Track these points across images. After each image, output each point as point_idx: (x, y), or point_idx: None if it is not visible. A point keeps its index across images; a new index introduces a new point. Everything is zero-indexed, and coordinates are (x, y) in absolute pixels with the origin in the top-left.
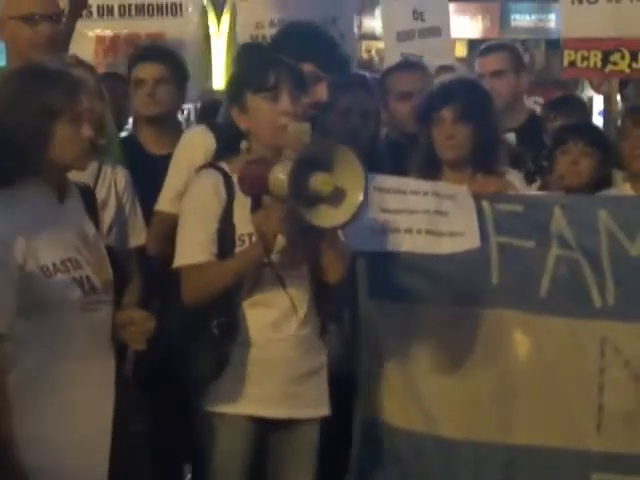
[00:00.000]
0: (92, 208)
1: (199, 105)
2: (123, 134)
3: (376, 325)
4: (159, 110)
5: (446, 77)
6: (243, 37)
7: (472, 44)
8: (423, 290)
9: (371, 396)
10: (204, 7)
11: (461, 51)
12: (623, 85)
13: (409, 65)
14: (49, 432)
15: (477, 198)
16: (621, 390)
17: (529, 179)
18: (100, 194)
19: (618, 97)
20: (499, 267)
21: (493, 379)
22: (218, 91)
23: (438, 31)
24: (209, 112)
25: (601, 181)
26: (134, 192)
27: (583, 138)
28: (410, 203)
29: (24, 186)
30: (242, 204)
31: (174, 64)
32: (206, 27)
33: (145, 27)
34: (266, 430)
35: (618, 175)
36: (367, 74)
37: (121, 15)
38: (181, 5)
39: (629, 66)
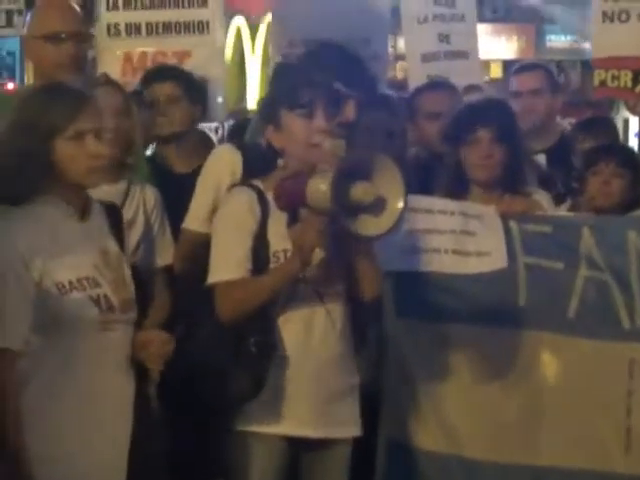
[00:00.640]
0: (117, 227)
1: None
2: (148, 152)
3: (402, 345)
4: (174, 129)
5: (474, 97)
6: (276, 55)
7: (507, 65)
8: (450, 310)
9: (396, 416)
10: (239, 28)
11: (496, 72)
12: None
13: (438, 85)
14: (63, 451)
15: (505, 218)
16: None
17: (559, 200)
18: (128, 213)
19: None
20: (526, 288)
21: (519, 400)
22: (252, 111)
23: (464, 55)
24: (240, 131)
25: (632, 202)
26: (163, 211)
27: (614, 159)
28: (438, 223)
29: (43, 203)
30: (277, 221)
31: (184, 81)
32: (241, 48)
33: (172, 45)
34: (299, 449)
35: None
36: (392, 94)
37: (148, 33)
38: (208, 23)
39: None
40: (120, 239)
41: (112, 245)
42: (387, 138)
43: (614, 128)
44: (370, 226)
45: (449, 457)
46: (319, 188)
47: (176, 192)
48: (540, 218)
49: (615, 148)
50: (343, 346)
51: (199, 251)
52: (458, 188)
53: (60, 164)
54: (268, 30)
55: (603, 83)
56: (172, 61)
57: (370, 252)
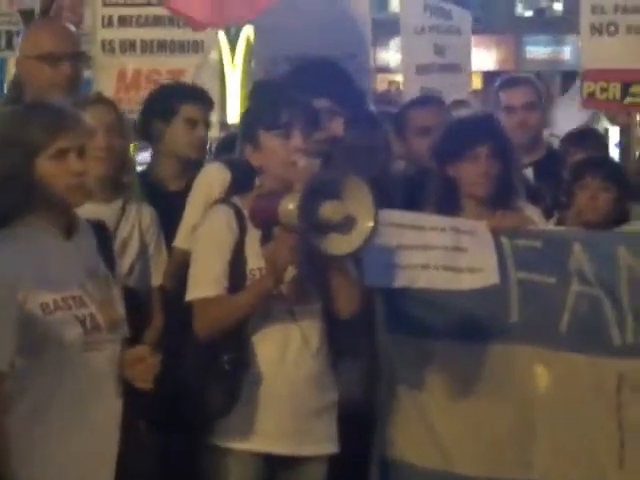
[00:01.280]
0: (106, 245)
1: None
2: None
3: (394, 361)
4: (204, 151)
5: (462, 112)
6: (259, 72)
7: (486, 76)
8: (442, 326)
9: (388, 432)
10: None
11: (477, 83)
12: None
13: (427, 100)
14: (50, 472)
15: (496, 234)
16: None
17: (547, 214)
18: (122, 232)
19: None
20: (519, 303)
21: (512, 415)
22: (232, 125)
23: (458, 68)
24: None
25: (619, 216)
26: (159, 230)
27: (600, 173)
28: (428, 239)
29: (27, 223)
30: (254, 239)
31: (210, 105)
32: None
33: (166, 64)
34: (274, 465)
35: (637, 209)
36: (374, 109)
37: (143, 51)
38: (202, 42)
39: None
40: (109, 258)
41: (100, 264)
42: (369, 154)
43: (604, 141)
44: (339, 245)
45: (441, 473)
46: (289, 206)
47: (167, 209)
48: (531, 233)
49: (601, 161)
50: (318, 364)
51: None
52: (449, 204)
53: (42, 183)
54: (247, 43)
55: (592, 95)
56: (166, 79)
57: (343, 269)
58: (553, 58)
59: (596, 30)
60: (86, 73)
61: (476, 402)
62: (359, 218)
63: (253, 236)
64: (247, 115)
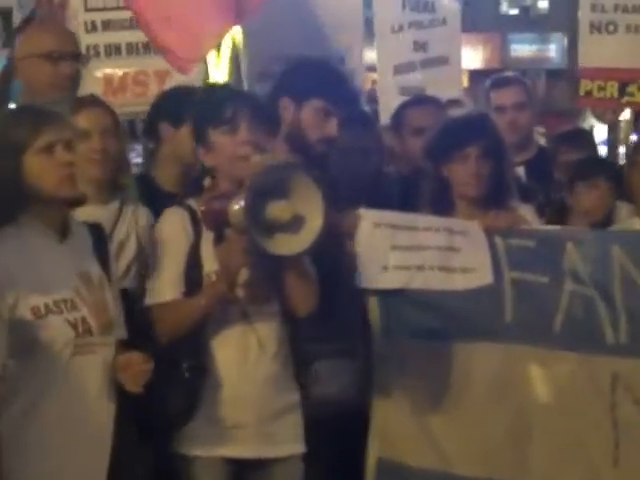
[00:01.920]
0: (101, 247)
1: None
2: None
3: (390, 362)
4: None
5: (456, 112)
6: (250, 74)
7: (473, 75)
8: (436, 327)
9: (384, 433)
10: None
11: (463, 81)
12: (638, 116)
13: (424, 100)
14: (44, 472)
15: (490, 233)
16: (634, 427)
17: (540, 213)
18: (119, 235)
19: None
20: (512, 302)
21: (507, 415)
22: None
23: (443, 60)
24: None
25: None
26: None
27: (605, 173)
28: (422, 240)
29: (20, 225)
30: (209, 241)
31: None
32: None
33: (153, 65)
34: (241, 470)
35: (622, 207)
36: (367, 109)
37: (129, 54)
38: None
39: None
40: (105, 260)
41: (94, 267)
42: (362, 155)
43: (594, 140)
44: (286, 245)
45: (438, 474)
46: (235, 208)
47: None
48: (525, 233)
49: (605, 162)
50: (277, 366)
51: None
52: (442, 204)
53: (31, 179)
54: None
55: (589, 93)
56: (153, 81)
57: (298, 267)
58: (538, 56)
59: (595, 28)
60: None
61: (472, 402)
62: (308, 217)
63: (209, 238)
64: (196, 118)
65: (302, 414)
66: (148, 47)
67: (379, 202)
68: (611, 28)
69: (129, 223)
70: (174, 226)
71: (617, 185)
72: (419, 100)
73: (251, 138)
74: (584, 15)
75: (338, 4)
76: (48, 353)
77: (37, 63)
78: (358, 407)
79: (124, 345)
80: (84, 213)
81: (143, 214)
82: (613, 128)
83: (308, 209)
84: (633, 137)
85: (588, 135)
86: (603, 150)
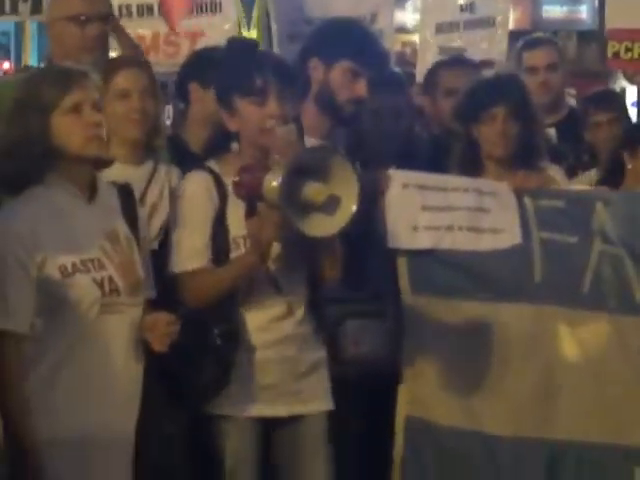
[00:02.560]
0: (129, 208)
1: None
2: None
3: (419, 321)
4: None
5: (487, 73)
6: (280, 35)
7: None
8: (465, 286)
9: (413, 392)
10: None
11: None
12: None
13: (457, 61)
14: (65, 430)
15: (519, 194)
16: None
17: (570, 174)
18: (152, 196)
19: None
20: (541, 263)
21: (535, 374)
22: None
23: (490, 22)
24: None
25: None
26: None
27: None
28: (451, 200)
29: (48, 184)
30: (235, 206)
31: None
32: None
33: (184, 26)
34: (272, 429)
35: None
36: (399, 71)
37: (161, 14)
38: (220, 4)
39: None
40: (133, 221)
41: (122, 227)
42: (394, 118)
43: (623, 101)
44: (319, 226)
45: (467, 432)
46: (272, 184)
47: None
48: (554, 193)
49: None
50: (305, 327)
51: None
52: (472, 165)
53: (59, 139)
54: (263, 4)
55: (616, 55)
56: (185, 42)
57: (330, 245)
58: (570, 17)
59: None
60: None
61: (500, 361)
62: (343, 199)
63: (235, 203)
64: (222, 80)
65: (328, 371)
66: None
67: (409, 163)
68: None
69: (162, 184)
70: (199, 191)
71: None
72: (452, 61)
73: (279, 111)
74: None
75: None
76: (75, 312)
77: (65, 26)
78: (388, 367)
79: (153, 305)
80: (118, 173)
81: (176, 176)
82: None
83: (344, 191)
84: None
85: (618, 97)
86: (633, 112)
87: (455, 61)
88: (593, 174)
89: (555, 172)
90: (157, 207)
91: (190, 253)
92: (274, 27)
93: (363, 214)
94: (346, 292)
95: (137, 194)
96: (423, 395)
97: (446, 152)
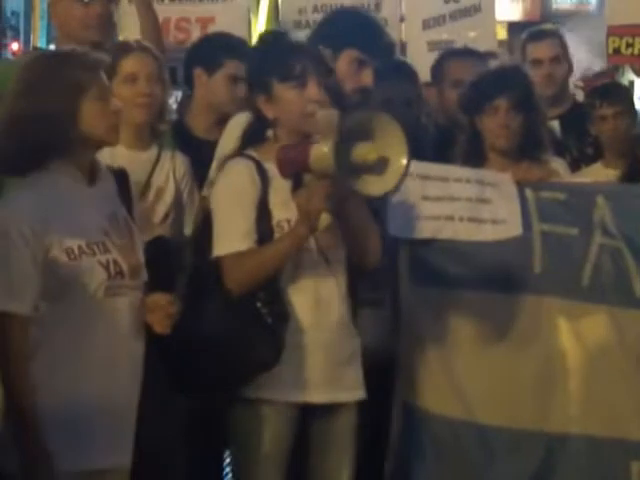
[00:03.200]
0: (126, 192)
1: None
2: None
3: (417, 310)
4: (241, 108)
5: (491, 64)
6: (286, 22)
7: (512, 27)
8: (464, 277)
9: (410, 381)
10: None
11: (501, 34)
12: None
13: (463, 52)
14: (71, 413)
15: (520, 186)
16: None
17: (574, 167)
18: (157, 181)
19: None
20: (541, 254)
21: (533, 366)
22: None
23: (476, 8)
24: None
25: None
26: (193, 180)
27: None
28: (453, 190)
29: (52, 170)
30: (277, 190)
31: None
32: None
33: (195, 11)
34: (308, 414)
35: None
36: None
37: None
38: None
39: None
40: (128, 205)
41: (121, 210)
42: (404, 107)
43: (631, 94)
44: (374, 185)
45: (462, 422)
46: (321, 151)
47: (197, 158)
48: (555, 185)
49: None
50: (346, 311)
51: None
52: (475, 155)
53: (85, 124)
54: None
55: (617, 50)
56: (195, 27)
57: (369, 220)
58: (579, 9)
59: None
60: None
61: (498, 353)
62: (392, 158)
63: (276, 188)
64: (258, 66)
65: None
66: None
67: (415, 153)
68: None
69: (167, 170)
70: (242, 177)
71: None
72: (459, 52)
73: (319, 95)
74: None
75: None
76: (82, 295)
77: (69, 5)
78: (386, 355)
79: (150, 287)
80: (122, 158)
81: (180, 161)
82: None
83: (392, 150)
84: None
85: (625, 90)
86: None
87: (462, 52)
88: (597, 167)
89: (558, 165)
90: (162, 192)
91: (236, 236)
92: (281, 14)
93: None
94: None
95: (142, 179)
96: (419, 383)
97: (451, 143)
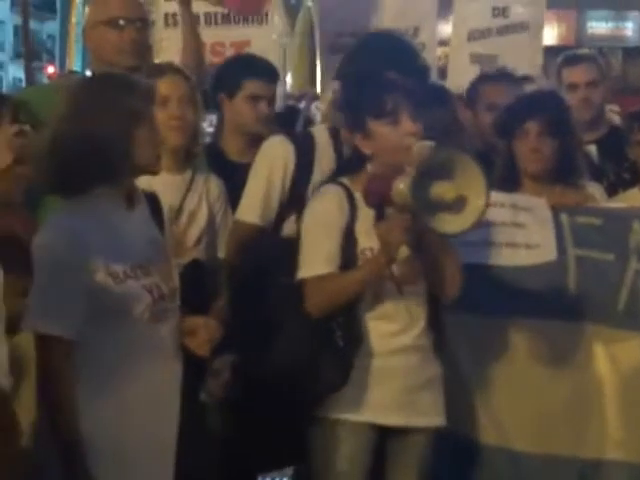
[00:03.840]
0: (158, 215)
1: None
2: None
3: (452, 337)
4: (268, 126)
5: (527, 89)
6: (323, 47)
7: (547, 51)
8: (499, 302)
9: (445, 407)
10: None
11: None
12: None
13: (499, 76)
14: (115, 439)
15: (556, 210)
16: None
17: (611, 192)
18: (190, 204)
19: None
20: (576, 280)
21: (568, 392)
22: (293, 96)
23: (524, 26)
24: (286, 121)
25: None
26: (227, 202)
27: None
28: (488, 215)
29: (95, 194)
30: (364, 219)
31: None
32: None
33: (230, 36)
34: (383, 437)
35: None
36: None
37: (207, 24)
38: (266, 14)
39: None
40: (161, 228)
41: (158, 234)
42: (443, 135)
43: None
44: (451, 223)
45: (497, 449)
46: (400, 187)
47: (230, 181)
48: (591, 210)
49: None
50: (424, 340)
51: (249, 242)
52: (510, 180)
53: (137, 152)
54: (307, 12)
55: None
56: (230, 51)
57: (451, 252)
58: (615, 34)
59: None
60: None
61: (534, 379)
62: (470, 197)
63: (363, 216)
64: (352, 104)
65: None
66: (226, 17)
67: None
68: None
69: (200, 193)
70: (332, 202)
71: None
72: (494, 75)
73: (414, 128)
74: None
75: None
76: (128, 319)
77: (103, 30)
78: None
79: (189, 312)
80: (157, 181)
81: (214, 184)
82: None
83: (471, 189)
84: None
85: None
86: None
87: (497, 75)
88: (634, 192)
89: (595, 190)
90: (195, 215)
91: (321, 258)
92: (317, 39)
93: None
94: None
95: (176, 202)
96: (453, 410)
97: (489, 167)
